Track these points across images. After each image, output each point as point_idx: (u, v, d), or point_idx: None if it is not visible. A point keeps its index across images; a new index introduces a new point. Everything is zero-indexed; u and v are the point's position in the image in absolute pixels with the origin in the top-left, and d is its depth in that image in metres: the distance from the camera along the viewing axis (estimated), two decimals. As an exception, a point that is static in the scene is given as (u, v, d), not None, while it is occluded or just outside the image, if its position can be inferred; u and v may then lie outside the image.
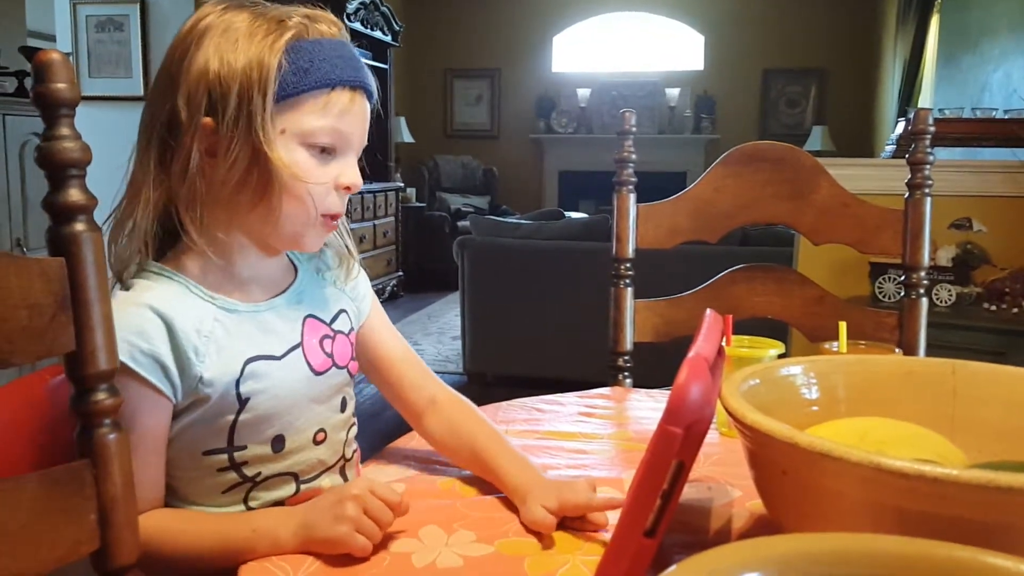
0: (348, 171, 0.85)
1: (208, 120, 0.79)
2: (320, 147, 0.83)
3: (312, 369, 0.89)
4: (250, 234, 0.86)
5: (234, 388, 0.82)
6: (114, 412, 0.68)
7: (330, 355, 0.91)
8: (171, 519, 0.81)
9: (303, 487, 0.90)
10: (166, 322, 0.79)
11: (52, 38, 4.58)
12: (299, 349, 0.88)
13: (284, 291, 0.90)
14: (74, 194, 0.64)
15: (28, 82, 3.44)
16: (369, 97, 0.87)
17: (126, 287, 0.82)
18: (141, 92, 4.34)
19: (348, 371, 0.94)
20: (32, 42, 4.17)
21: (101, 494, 0.68)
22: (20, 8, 4.06)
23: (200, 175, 0.81)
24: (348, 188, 0.85)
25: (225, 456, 0.84)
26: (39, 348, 0.64)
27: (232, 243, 0.85)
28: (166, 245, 0.85)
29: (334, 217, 0.86)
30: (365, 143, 0.88)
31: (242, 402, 0.83)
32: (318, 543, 0.73)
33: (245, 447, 0.85)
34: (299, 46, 0.81)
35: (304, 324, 0.90)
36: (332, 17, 0.86)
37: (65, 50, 4.24)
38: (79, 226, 0.65)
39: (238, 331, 0.84)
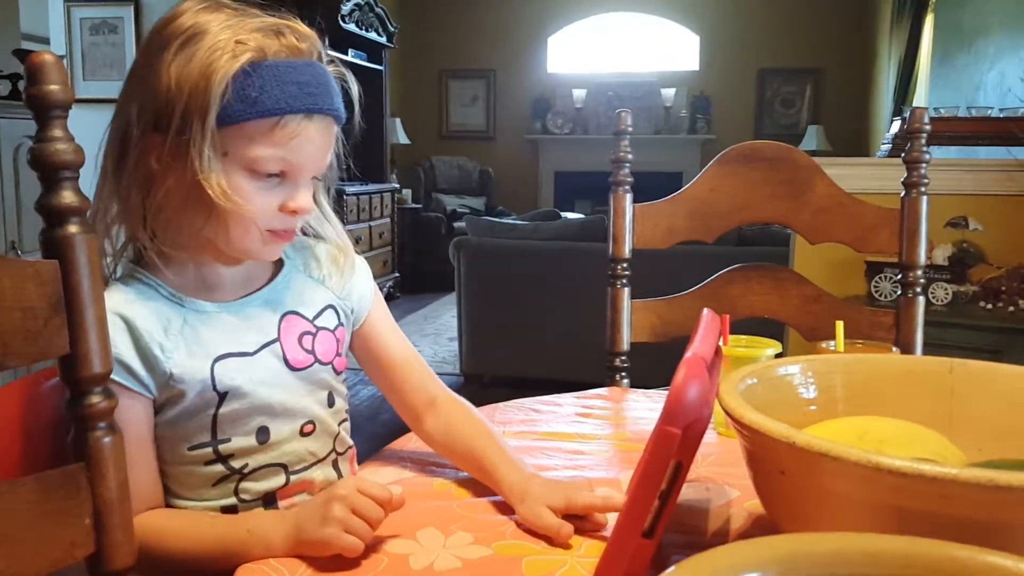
0: (297, 196, 0.83)
1: (156, 136, 0.79)
2: (266, 173, 0.81)
3: (289, 365, 0.88)
4: (204, 249, 0.85)
5: (210, 384, 0.83)
6: (109, 415, 0.68)
7: (311, 351, 0.90)
8: (168, 519, 0.81)
9: (292, 478, 0.89)
10: (126, 323, 0.80)
11: (46, 40, 4.57)
12: (275, 345, 0.88)
13: (260, 288, 0.90)
14: (67, 196, 0.64)
15: (22, 85, 3.42)
16: (337, 120, 0.84)
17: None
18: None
19: (333, 367, 0.93)
20: (26, 45, 4.16)
21: (96, 497, 0.67)
22: (14, 10, 4.05)
23: (146, 188, 0.81)
24: (294, 212, 0.83)
25: (210, 449, 0.85)
26: (33, 351, 0.63)
27: (181, 258, 0.85)
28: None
29: (283, 232, 0.85)
30: (324, 164, 0.85)
31: (220, 396, 0.84)
32: (308, 545, 0.73)
33: (229, 439, 0.85)
34: (253, 70, 0.77)
35: (282, 321, 0.90)
36: (304, 30, 0.83)
37: (59, 53, 4.24)
38: (72, 228, 0.65)
39: (209, 330, 0.85)
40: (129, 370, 0.80)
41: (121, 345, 0.79)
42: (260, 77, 0.78)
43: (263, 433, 0.87)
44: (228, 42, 0.78)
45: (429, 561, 0.72)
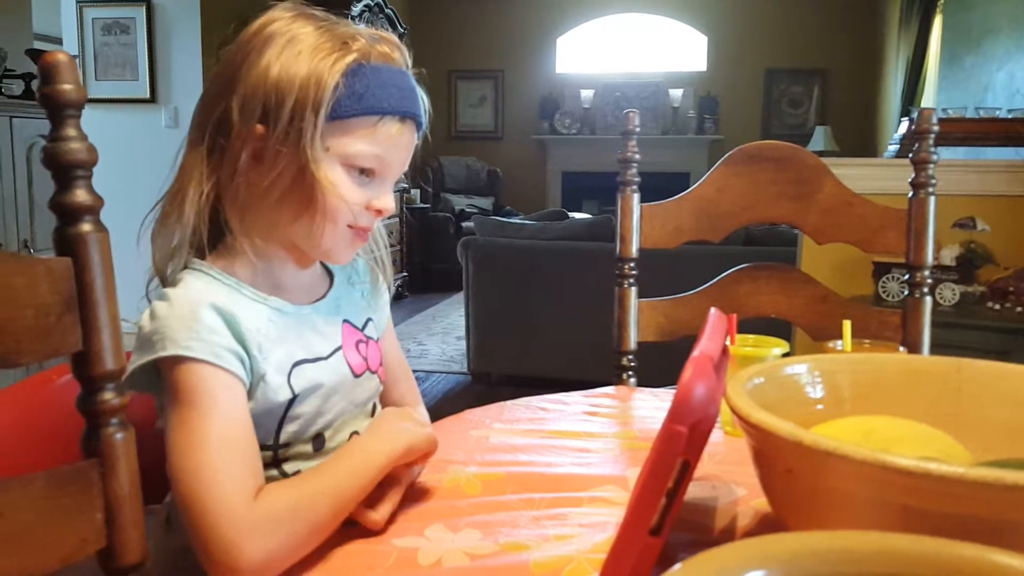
0: (383, 196, 0.86)
1: (260, 127, 0.81)
2: (360, 169, 0.84)
3: (352, 371, 0.90)
4: (287, 245, 0.87)
5: (287, 387, 0.83)
6: (121, 411, 0.68)
7: (365, 359, 0.93)
8: (293, 488, 0.77)
9: None
10: (231, 321, 0.79)
11: (59, 41, 4.59)
12: (341, 351, 0.90)
13: (324, 296, 0.92)
14: (80, 194, 0.65)
15: (35, 84, 3.45)
16: (418, 127, 0.88)
17: (174, 283, 0.82)
18: (147, 95, 4.34)
19: (379, 377, 0.96)
20: (39, 45, 4.18)
21: (107, 493, 0.68)
22: (26, 11, 4.07)
23: (245, 179, 0.83)
24: (380, 212, 0.86)
25: (271, 453, 0.85)
26: (46, 348, 0.64)
27: (269, 250, 0.86)
28: (210, 242, 0.86)
29: (363, 230, 0.87)
30: (405, 169, 0.89)
31: (292, 401, 0.84)
32: (411, 451, 0.82)
33: (290, 444, 0.86)
34: (359, 70, 0.81)
35: (343, 328, 0.92)
36: (396, 41, 0.87)
37: (72, 53, 4.25)
38: (86, 226, 0.65)
39: (288, 332, 0.85)
40: (243, 362, 0.79)
41: (233, 340, 0.79)
42: (366, 76, 0.82)
43: (319, 441, 0.88)
44: (335, 42, 0.82)
45: (437, 557, 0.72)
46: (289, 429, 0.85)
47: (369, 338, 0.95)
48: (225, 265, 0.85)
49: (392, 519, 0.80)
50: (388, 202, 0.87)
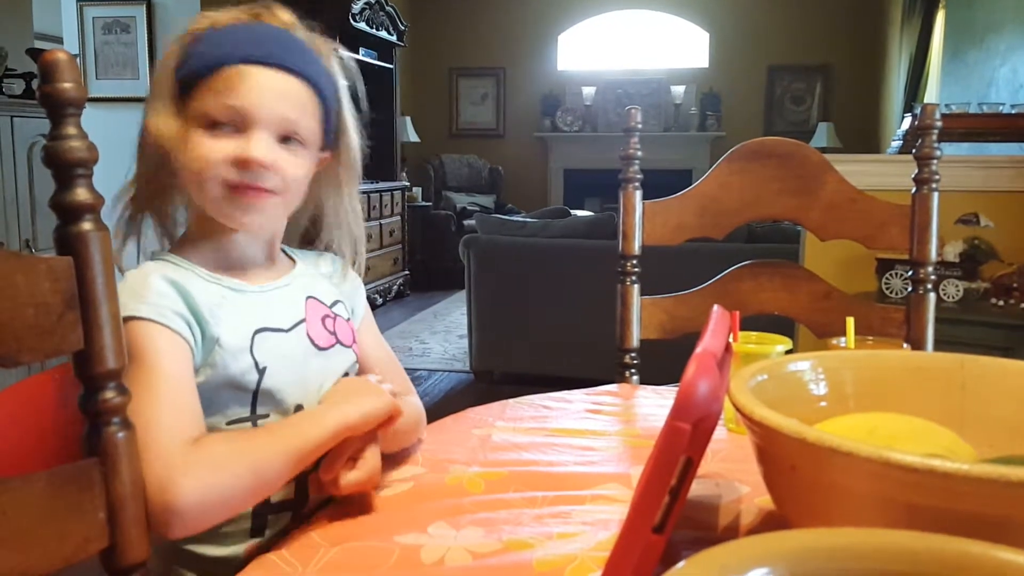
0: (248, 146, 0.83)
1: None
2: (215, 122, 0.83)
3: (315, 344, 0.91)
4: (201, 213, 0.89)
5: (250, 356, 0.84)
6: (123, 410, 0.68)
7: (333, 333, 0.94)
8: (234, 436, 0.81)
9: None
10: (181, 290, 0.82)
11: (59, 40, 4.59)
12: (303, 324, 0.91)
13: (284, 277, 0.94)
14: (81, 193, 0.65)
15: (35, 83, 3.44)
16: (305, 80, 0.86)
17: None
18: (148, 94, 4.34)
19: (354, 352, 0.96)
20: (39, 44, 4.18)
21: (110, 492, 0.68)
22: (27, 10, 4.07)
23: (157, 169, 0.88)
24: (247, 162, 0.82)
25: (249, 424, 0.86)
26: (47, 347, 0.64)
27: (206, 227, 0.88)
28: (171, 237, 0.92)
29: (240, 186, 0.83)
30: (288, 120, 0.85)
31: (260, 371, 0.85)
32: (363, 419, 0.82)
33: (268, 415, 0.87)
34: (202, 36, 0.85)
35: (307, 303, 0.93)
36: (281, 15, 0.89)
37: (72, 52, 4.25)
38: (86, 225, 0.65)
39: (246, 307, 0.87)
40: (188, 325, 0.81)
41: (180, 305, 0.81)
42: (207, 39, 0.85)
43: (298, 411, 0.88)
44: (193, 22, 0.86)
45: (440, 555, 0.72)
46: (265, 400, 0.86)
47: (338, 315, 0.96)
48: (181, 254, 0.88)
49: (394, 514, 0.80)
50: (253, 151, 0.82)
